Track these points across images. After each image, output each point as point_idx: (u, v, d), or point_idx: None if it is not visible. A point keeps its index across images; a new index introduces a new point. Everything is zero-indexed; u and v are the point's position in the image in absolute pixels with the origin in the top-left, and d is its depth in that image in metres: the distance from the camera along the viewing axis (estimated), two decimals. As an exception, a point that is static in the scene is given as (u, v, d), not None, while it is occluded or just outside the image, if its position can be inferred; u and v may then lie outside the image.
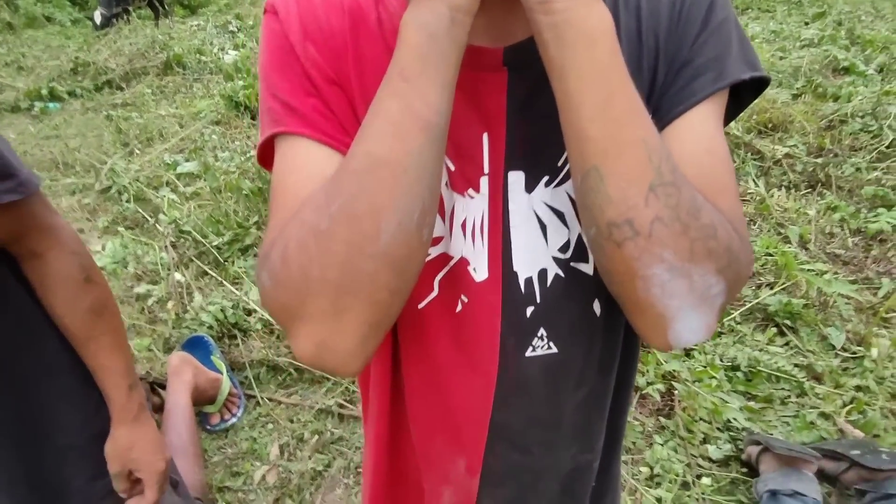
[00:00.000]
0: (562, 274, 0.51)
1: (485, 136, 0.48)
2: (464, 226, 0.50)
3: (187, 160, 2.94)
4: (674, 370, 1.52)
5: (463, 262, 0.51)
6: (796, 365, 1.56)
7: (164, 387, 1.44)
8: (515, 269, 0.51)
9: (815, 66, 3.86)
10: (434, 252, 0.51)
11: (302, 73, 0.47)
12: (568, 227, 0.50)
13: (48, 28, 6.89)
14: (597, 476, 0.67)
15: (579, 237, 0.50)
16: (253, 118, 3.52)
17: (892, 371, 1.50)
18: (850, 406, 1.43)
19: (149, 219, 2.40)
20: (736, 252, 0.41)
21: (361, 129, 0.40)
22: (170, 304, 1.85)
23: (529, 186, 0.50)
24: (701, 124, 0.46)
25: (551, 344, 0.54)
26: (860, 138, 2.83)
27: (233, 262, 2.07)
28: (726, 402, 1.44)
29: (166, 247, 2.10)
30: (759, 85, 0.49)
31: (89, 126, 3.67)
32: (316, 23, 0.47)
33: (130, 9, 6.29)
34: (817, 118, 3.05)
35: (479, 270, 0.51)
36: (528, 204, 0.50)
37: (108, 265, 2.16)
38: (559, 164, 0.49)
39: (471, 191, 0.50)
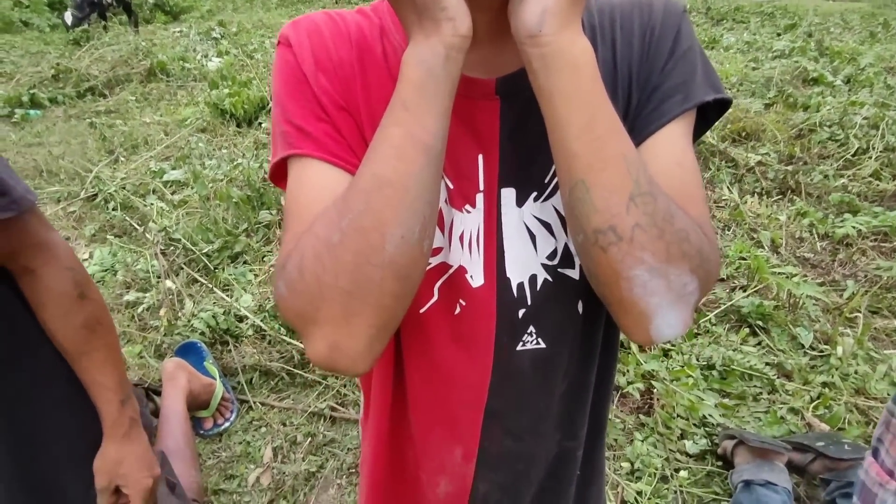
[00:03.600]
0: (550, 279, 0.57)
1: (480, 158, 0.54)
2: (461, 238, 0.56)
3: (174, 168, 2.95)
4: (653, 370, 1.60)
5: (461, 270, 0.56)
6: (768, 363, 1.64)
7: (159, 393, 1.47)
8: (508, 275, 0.57)
9: (787, 77, 4.01)
10: (434, 261, 0.56)
11: (314, 100, 0.51)
12: (555, 237, 0.56)
13: (26, 33, 6.79)
14: (581, 465, 0.73)
15: (565, 246, 0.56)
16: (238, 126, 3.54)
17: (856, 368, 1.58)
18: (817, 401, 1.51)
19: (137, 227, 2.41)
20: (706, 253, 0.47)
21: (368, 152, 0.45)
22: (162, 312, 1.86)
23: (520, 201, 0.55)
24: (671, 141, 0.52)
25: (540, 340, 0.60)
26: (828, 147, 2.97)
27: (223, 269, 2.09)
28: (702, 399, 1.51)
29: (156, 254, 2.11)
30: (722, 105, 0.55)
31: (72, 133, 3.65)
32: (326, 54, 0.52)
33: (108, 14, 6.27)
34: (788, 127, 3.18)
35: (476, 277, 0.57)
36: (519, 217, 0.55)
37: (97, 273, 2.17)
38: (546, 180, 0.55)
39: (468, 206, 0.55)
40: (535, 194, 0.55)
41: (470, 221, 0.55)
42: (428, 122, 0.43)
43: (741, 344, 1.73)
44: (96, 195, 2.73)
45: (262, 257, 2.18)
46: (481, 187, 0.55)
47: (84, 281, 0.80)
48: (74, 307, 0.78)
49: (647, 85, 0.53)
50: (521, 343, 0.60)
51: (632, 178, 0.43)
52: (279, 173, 0.55)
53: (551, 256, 0.56)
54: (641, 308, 0.46)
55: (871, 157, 2.80)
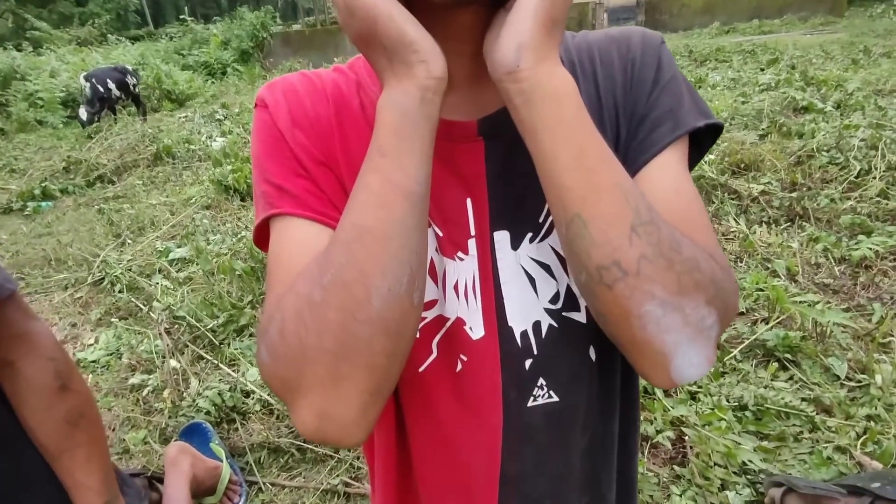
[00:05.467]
0: (555, 324, 0.53)
1: (468, 202, 0.51)
2: (456, 287, 0.52)
3: (179, 246, 2.97)
4: (681, 415, 1.50)
5: (459, 322, 0.53)
6: (804, 399, 1.54)
7: (163, 480, 1.39)
8: (510, 323, 0.53)
9: (777, 108, 4.07)
10: (430, 315, 0.52)
11: (292, 157, 0.50)
12: (556, 279, 0.52)
13: (40, 131, 7.12)
14: (614, 530, 0.65)
15: (568, 288, 0.52)
16: (242, 200, 3.60)
17: (900, 396, 1.48)
18: (864, 437, 1.40)
19: (142, 307, 2.40)
20: (721, 282, 0.43)
21: (348, 202, 0.42)
22: (165, 393, 1.81)
23: (515, 244, 0.52)
24: (666, 169, 0.49)
25: (551, 392, 0.55)
26: (829, 171, 2.95)
27: (228, 344, 2.05)
28: (739, 443, 1.41)
29: (160, 334, 2.08)
30: (714, 131, 0.53)
31: (81, 221, 3.73)
32: (302, 111, 0.51)
33: (117, 107, 6.57)
34: (786, 155, 3.18)
35: (476, 328, 0.53)
36: (515, 260, 0.52)
37: (102, 358, 2.13)
38: (540, 220, 0.52)
39: (460, 253, 0.52)
40: (530, 235, 0.52)
41: (464, 269, 0.52)
42: (407, 166, 0.41)
43: (772, 380, 1.63)
44: (103, 279, 2.74)
45: (268, 328, 2.14)
46: (472, 232, 0.52)
47: (67, 371, 0.75)
48: (55, 400, 0.73)
49: (633, 116, 0.51)
50: (531, 398, 0.55)
51: (630, 208, 0.40)
52: (263, 237, 0.52)
53: (554, 300, 0.53)
54: (658, 347, 0.41)
55: (875, 178, 2.77)
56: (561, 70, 0.42)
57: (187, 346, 2.06)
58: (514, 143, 0.50)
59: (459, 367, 0.54)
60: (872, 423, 1.43)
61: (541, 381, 0.54)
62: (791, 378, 1.65)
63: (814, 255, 2.28)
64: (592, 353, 0.55)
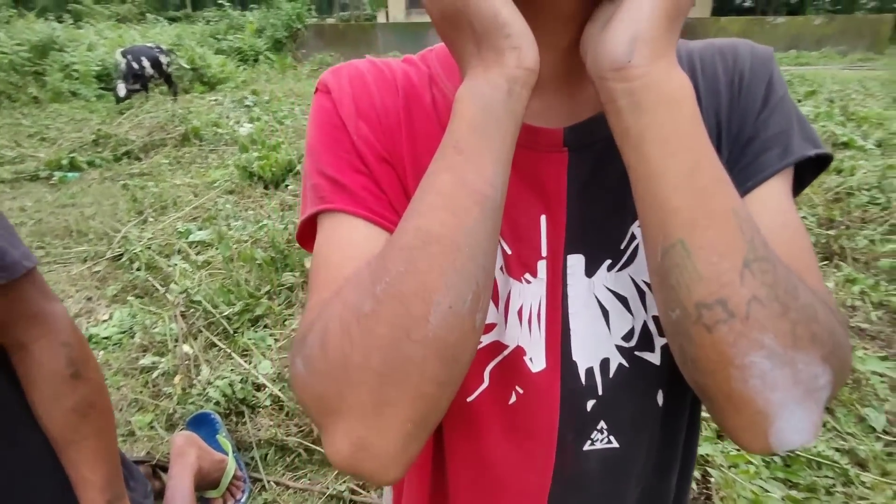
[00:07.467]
0: (626, 364, 0.48)
1: (543, 218, 0.47)
2: (520, 313, 0.47)
3: (200, 228, 2.96)
4: (707, 454, 1.43)
5: (518, 352, 0.48)
6: (837, 449, 1.46)
7: (166, 469, 1.36)
8: (575, 358, 0.48)
9: (815, 141, 3.96)
10: (485, 340, 0.48)
11: (352, 149, 0.45)
12: (632, 314, 0.47)
13: (73, 102, 7.20)
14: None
15: (644, 325, 0.47)
16: (266, 188, 3.59)
17: (942, 457, 1.40)
18: (901, 496, 1.32)
19: (159, 288, 2.38)
20: (838, 336, 0.37)
21: (412, 203, 0.37)
22: (176, 379, 1.78)
23: (590, 270, 0.47)
24: (773, 199, 0.44)
25: (612, 438, 0.50)
26: (869, 211, 2.85)
27: (242, 334, 2.02)
28: (767, 490, 1.34)
29: (175, 317, 2.06)
30: (819, 163, 0.47)
31: (105, 195, 3.74)
32: (369, 101, 0.47)
33: (150, 85, 6.62)
34: (823, 191, 3.09)
35: (536, 360, 0.48)
36: (588, 289, 0.47)
37: (114, 335, 2.11)
38: (622, 246, 0.47)
39: (528, 275, 0.47)
40: (608, 262, 0.47)
41: (530, 293, 0.47)
42: (485, 167, 0.36)
43: (803, 425, 1.55)
44: (122, 255, 2.73)
45: (284, 321, 2.11)
46: (544, 253, 0.47)
47: (81, 359, 0.72)
48: (66, 388, 0.70)
49: (740, 136, 0.46)
50: (588, 442, 0.49)
51: (745, 240, 0.35)
52: (308, 233, 0.47)
53: (627, 337, 0.47)
54: (759, 406, 0.36)
55: (918, 222, 2.67)
56: (679, 71, 0.37)
57: (201, 332, 2.04)
58: (602, 158, 0.45)
59: (513, 399, 0.49)
60: (911, 483, 1.35)
61: (602, 424, 0.49)
62: (824, 425, 1.57)
63: (849, 298, 2.19)
64: (660, 398, 0.50)
